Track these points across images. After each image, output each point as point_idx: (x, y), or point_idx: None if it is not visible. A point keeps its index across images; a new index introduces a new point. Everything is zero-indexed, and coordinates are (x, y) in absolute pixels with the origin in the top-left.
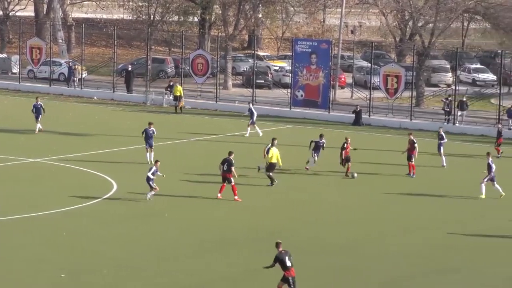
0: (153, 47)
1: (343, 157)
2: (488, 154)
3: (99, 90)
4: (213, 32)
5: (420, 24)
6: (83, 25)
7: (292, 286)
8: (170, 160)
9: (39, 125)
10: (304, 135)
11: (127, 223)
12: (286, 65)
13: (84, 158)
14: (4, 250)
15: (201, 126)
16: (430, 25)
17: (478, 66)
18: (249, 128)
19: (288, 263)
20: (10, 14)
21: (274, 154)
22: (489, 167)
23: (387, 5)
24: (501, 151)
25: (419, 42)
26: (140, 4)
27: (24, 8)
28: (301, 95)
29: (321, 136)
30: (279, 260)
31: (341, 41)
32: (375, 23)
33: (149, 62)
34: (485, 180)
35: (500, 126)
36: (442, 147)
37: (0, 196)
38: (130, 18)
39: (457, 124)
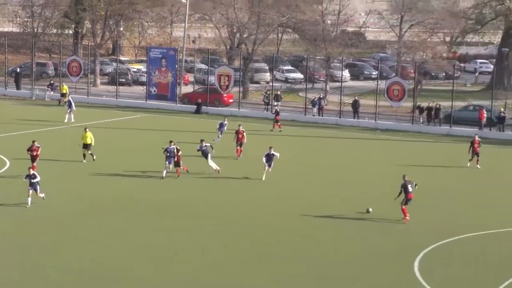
0: (37, 53)
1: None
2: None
3: None
4: (84, 41)
5: (245, 35)
6: None
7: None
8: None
9: None
10: (157, 122)
11: None
12: (142, 67)
13: None
14: None
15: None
16: (253, 36)
17: (290, 67)
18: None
19: (410, 189)
20: None
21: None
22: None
23: (220, 21)
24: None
25: (245, 49)
26: (26, 19)
27: None
28: (154, 91)
29: (201, 141)
30: (404, 187)
31: (185, 49)
32: (211, 35)
33: (33, 65)
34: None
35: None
36: None
37: None
38: (18, 30)
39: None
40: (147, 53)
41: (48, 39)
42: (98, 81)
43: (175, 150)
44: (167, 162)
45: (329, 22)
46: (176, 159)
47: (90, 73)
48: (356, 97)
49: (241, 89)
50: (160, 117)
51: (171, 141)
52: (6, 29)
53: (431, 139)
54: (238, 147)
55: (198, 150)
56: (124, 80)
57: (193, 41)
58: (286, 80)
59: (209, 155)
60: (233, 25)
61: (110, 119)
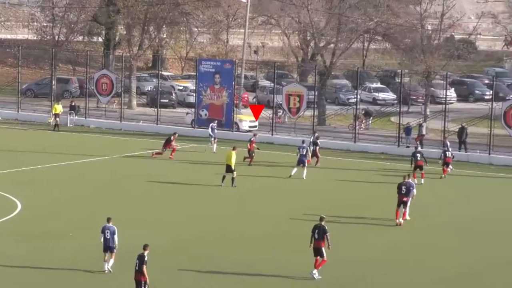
0: (58, 66)
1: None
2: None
3: (3, 110)
4: (117, 52)
5: (321, 44)
6: None
7: None
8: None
9: None
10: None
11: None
12: (190, 84)
13: None
14: None
15: (106, 145)
16: (332, 45)
17: (379, 85)
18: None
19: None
20: None
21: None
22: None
23: (290, 26)
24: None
25: (321, 62)
26: (45, 24)
27: None
28: (206, 114)
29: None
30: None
31: (244, 61)
32: (278, 44)
33: (54, 82)
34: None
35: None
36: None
37: None
38: (35, 38)
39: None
40: (197, 66)
41: (73, 49)
42: (134, 102)
43: None
44: None
45: (429, 27)
46: None
47: (124, 92)
48: (464, 124)
49: (316, 112)
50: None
51: None
52: (20, 36)
53: None
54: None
55: None
56: (167, 101)
57: (255, 52)
58: (374, 101)
59: None
60: (307, 31)
61: (148, 149)
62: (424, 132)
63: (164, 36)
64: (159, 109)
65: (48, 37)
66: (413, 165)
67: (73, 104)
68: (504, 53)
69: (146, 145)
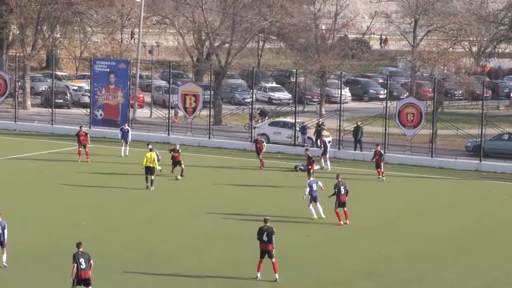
0: None
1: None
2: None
3: None
4: (11, 51)
5: (216, 44)
6: None
7: None
8: None
9: None
10: (104, 154)
11: None
12: (85, 84)
13: None
14: None
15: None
16: (226, 45)
17: (274, 85)
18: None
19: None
20: None
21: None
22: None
23: (184, 26)
24: None
25: (216, 62)
26: None
27: None
28: (101, 114)
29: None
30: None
31: (139, 61)
32: (173, 43)
33: None
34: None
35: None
36: None
37: None
38: None
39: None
40: (91, 66)
41: None
42: (29, 103)
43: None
44: None
45: (323, 27)
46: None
47: (18, 92)
48: (359, 123)
49: (212, 112)
50: (106, 149)
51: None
52: None
53: (456, 176)
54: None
55: None
56: (61, 101)
57: (150, 51)
58: (269, 101)
59: None
60: (201, 31)
61: (43, 151)
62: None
63: (58, 35)
64: (54, 109)
65: None
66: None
67: None
68: (397, 52)
69: (42, 145)
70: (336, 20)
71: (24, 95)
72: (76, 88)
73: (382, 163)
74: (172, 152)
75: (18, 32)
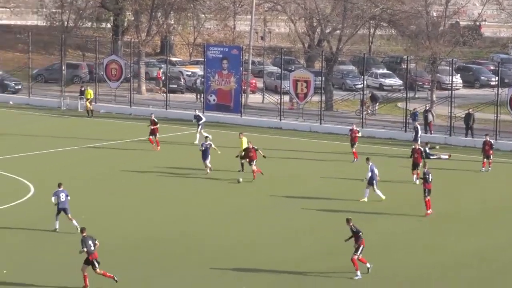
0: (68, 51)
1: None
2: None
3: (15, 95)
4: (126, 37)
5: (327, 30)
6: None
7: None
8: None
9: None
10: (217, 138)
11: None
12: (198, 70)
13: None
14: None
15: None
16: (338, 31)
17: (385, 71)
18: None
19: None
20: None
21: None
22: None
23: (296, 12)
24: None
25: (327, 48)
26: (54, 10)
27: None
28: (214, 100)
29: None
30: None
31: (251, 47)
32: (284, 30)
33: (63, 67)
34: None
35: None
36: None
37: None
38: (44, 24)
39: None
40: (204, 52)
41: (82, 34)
42: (144, 88)
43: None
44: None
45: (434, 14)
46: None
47: (133, 77)
48: (470, 110)
49: (323, 98)
50: (220, 133)
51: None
52: (29, 23)
53: None
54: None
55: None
56: (175, 86)
57: (262, 38)
58: (380, 87)
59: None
60: (313, 18)
61: (160, 134)
62: (431, 119)
63: (172, 22)
64: (168, 94)
65: (57, 23)
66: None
67: (83, 89)
68: (509, 39)
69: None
70: (447, 7)
71: (139, 81)
72: (189, 73)
73: (491, 154)
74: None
75: (133, 18)
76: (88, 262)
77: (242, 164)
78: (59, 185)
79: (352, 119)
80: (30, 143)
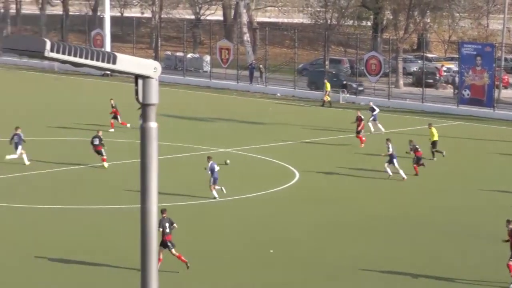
0: (331, 47)
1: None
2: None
3: (281, 87)
4: (385, 35)
5: None
6: (267, 28)
7: None
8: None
9: None
10: (470, 133)
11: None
12: (453, 66)
13: (268, 149)
14: (201, 231)
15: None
16: None
17: None
18: (370, 124)
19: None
20: (202, 18)
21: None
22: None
23: None
24: None
25: None
26: (318, 9)
27: (214, 13)
28: (468, 94)
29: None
30: None
31: (504, 45)
32: None
33: (326, 62)
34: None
35: None
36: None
37: (194, 182)
38: (309, 22)
39: None
40: (459, 49)
41: (343, 32)
42: (401, 82)
43: None
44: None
45: None
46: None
47: (391, 72)
48: None
49: None
50: (473, 126)
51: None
52: (296, 20)
53: None
54: None
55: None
56: (431, 80)
57: None
58: None
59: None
60: None
61: (413, 127)
62: None
63: (428, 20)
64: (424, 89)
65: (321, 21)
66: None
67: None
68: None
69: (412, 122)
70: None
71: (397, 75)
72: (445, 69)
73: None
74: None
75: (391, 17)
76: (163, 243)
77: (433, 153)
78: None
79: None
80: (294, 132)
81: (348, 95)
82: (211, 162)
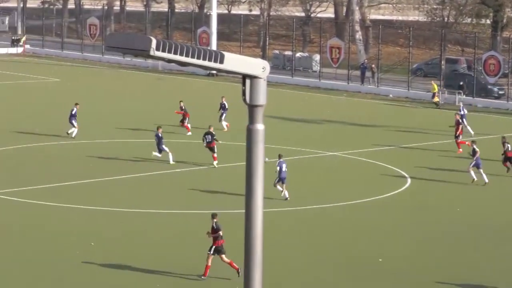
0: (447, 46)
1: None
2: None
3: (394, 88)
4: (505, 33)
5: None
6: (380, 26)
7: None
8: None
9: None
10: None
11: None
12: None
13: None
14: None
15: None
16: None
17: None
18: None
19: None
20: (312, 15)
21: None
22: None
23: None
24: None
25: None
26: (435, 6)
27: (325, 10)
28: None
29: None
30: None
31: None
32: None
33: (442, 62)
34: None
35: None
36: None
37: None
38: (425, 20)
39: None
40: None
41: (461, 30)
42: None
43: None
44: None
45: None
46: None
47: (510, 73)
48: None
49: None
50: None
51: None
52: (411, 18)
53: None
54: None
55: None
56: None
57: None
58: None
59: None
60: None
61: None
62: None
63: None
64: None
65: (437, 18)
66: None
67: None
68: None
69: None
70: None
71: None
72: None
73: None
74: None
75: None
76: (217, 249)
77: None
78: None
79: None
80: (400, 136)
81: (464, 96)
82: (279, 160)
